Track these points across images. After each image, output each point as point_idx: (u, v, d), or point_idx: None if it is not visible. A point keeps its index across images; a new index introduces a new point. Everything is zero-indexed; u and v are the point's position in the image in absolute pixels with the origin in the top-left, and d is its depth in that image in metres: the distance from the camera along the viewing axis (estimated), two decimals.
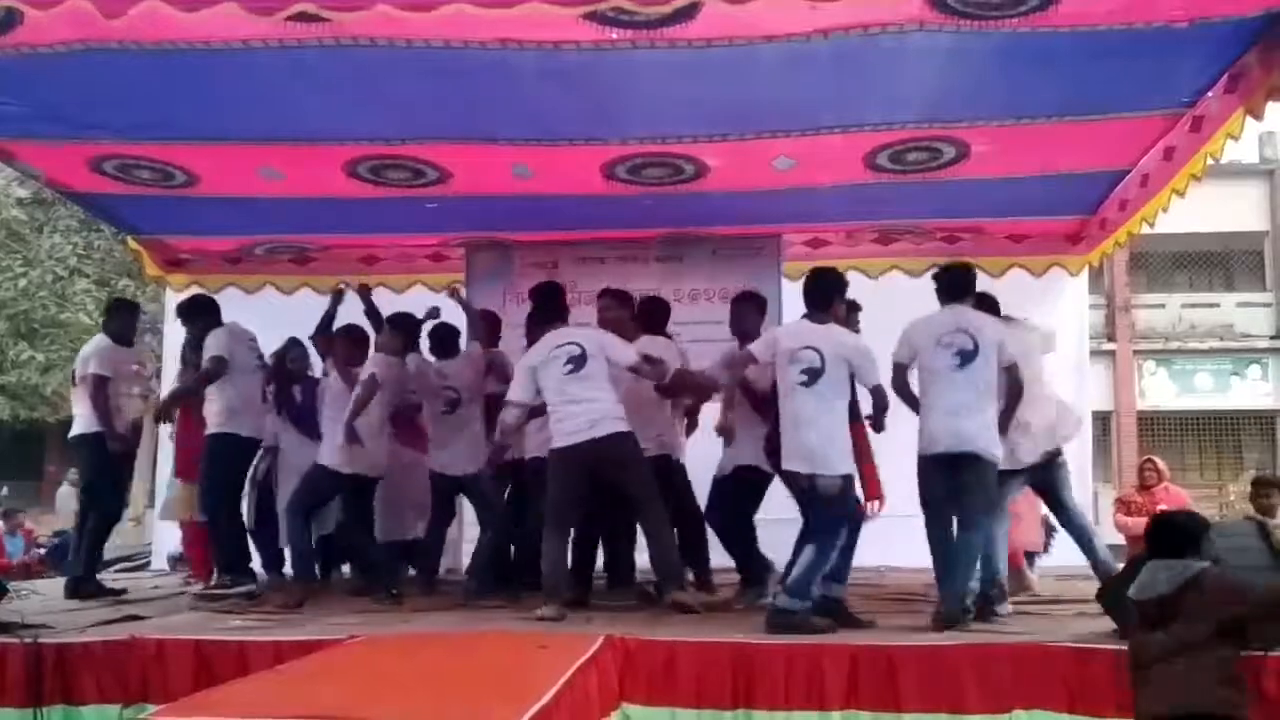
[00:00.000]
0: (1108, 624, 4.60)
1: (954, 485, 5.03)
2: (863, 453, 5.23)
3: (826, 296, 5.23)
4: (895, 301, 7.26)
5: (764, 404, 5.50)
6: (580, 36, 4.63)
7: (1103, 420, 19.07)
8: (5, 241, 18.44)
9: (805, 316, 5.23)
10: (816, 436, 4.95)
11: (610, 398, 5.49)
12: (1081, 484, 8.10)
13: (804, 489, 5.01)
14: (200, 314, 6.57)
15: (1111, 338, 21.24)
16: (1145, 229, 7.25)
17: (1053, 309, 7.80)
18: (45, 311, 17.74)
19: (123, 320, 6.77)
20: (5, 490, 13.66)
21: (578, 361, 5.43)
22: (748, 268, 7.74)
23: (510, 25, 4.51)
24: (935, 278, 5.43)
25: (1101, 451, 17.17)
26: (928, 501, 5.14)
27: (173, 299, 8.53)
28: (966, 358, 5.02)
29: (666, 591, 5.45)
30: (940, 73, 5.15)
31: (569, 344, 5.50)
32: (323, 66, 4.97)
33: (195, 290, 8.06)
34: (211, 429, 6.20)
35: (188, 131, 5.90)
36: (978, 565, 5.14)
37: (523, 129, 5.89)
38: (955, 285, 5.31)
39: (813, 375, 4.96)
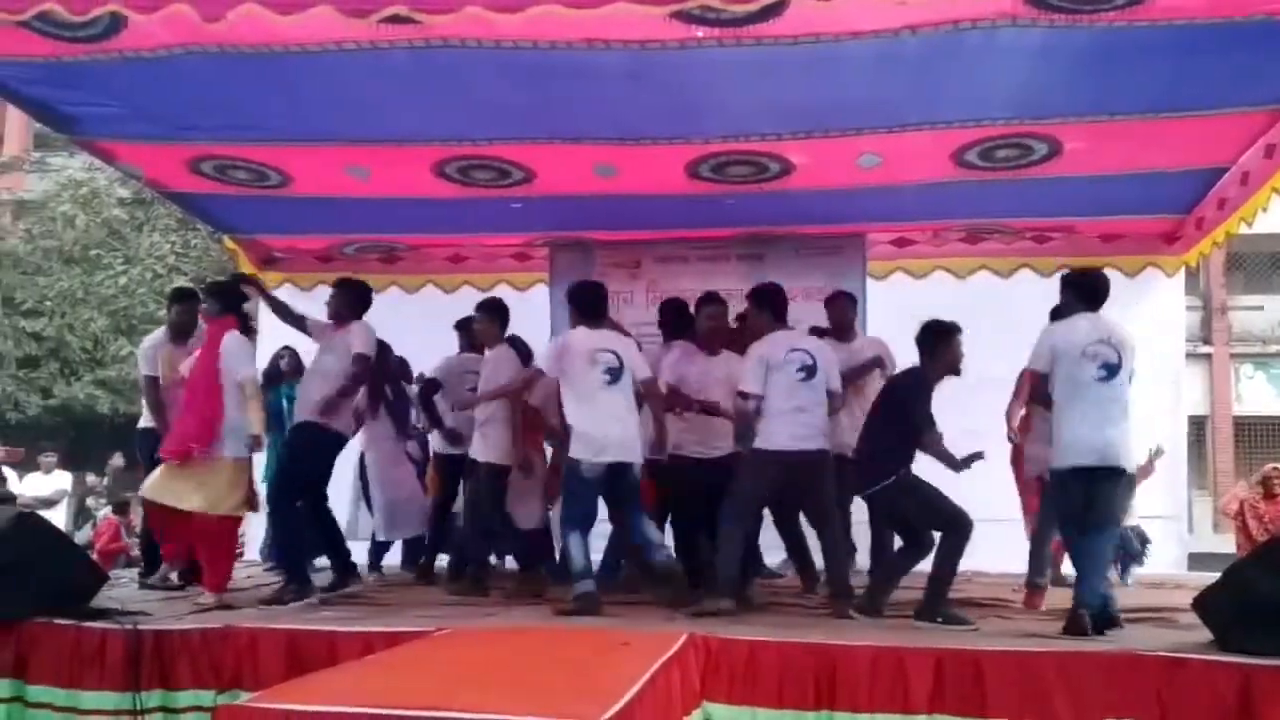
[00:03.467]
0: (1202, 633, 4.47)
1: (1092, 497, 4.94)
2: None
3: (1102, 296, 5.19)
4: (982, 302, 7.27)
5: None
6: (666, 35, 4.65)
7: (1198, 425, 18.53)
8: (107, 240, 19.08)
9: (1086, 313, 5.13)
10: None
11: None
12: (1176, 490, 7.93)
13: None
14: (350, 295, 6.27)
15: (1208, 340, 20.61)
16: (1244, 228, 7.01)
17: (1148, 311, 7.60)
18: (144, 308, 18.29)
19: (178, 312, 6.56)
20: (106, 481, 14.06)
21: (810, 370, 5.47)
22: (831, 266, 7.68)
23: (597, 25, 4.55)
24: (1069, 282, 5.31)
25: (1196, 458, 16.72)
26: (1065, 514, 5.07)
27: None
28: (1111, 370, 4.94)
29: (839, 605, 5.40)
30: (1030, 69, 5.06)
31: (799, 350, 5.53)
32: (412, 68, 5.06)
33: (289, 288, 8.28)
34: (302, 417, 5.98)
35: (281, 133, 6.06)
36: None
37: (607, 128, 5.93)
38: (1096, 293, 5.18)
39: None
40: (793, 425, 5.40)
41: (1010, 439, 6.50)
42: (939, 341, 5.41)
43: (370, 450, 7.05)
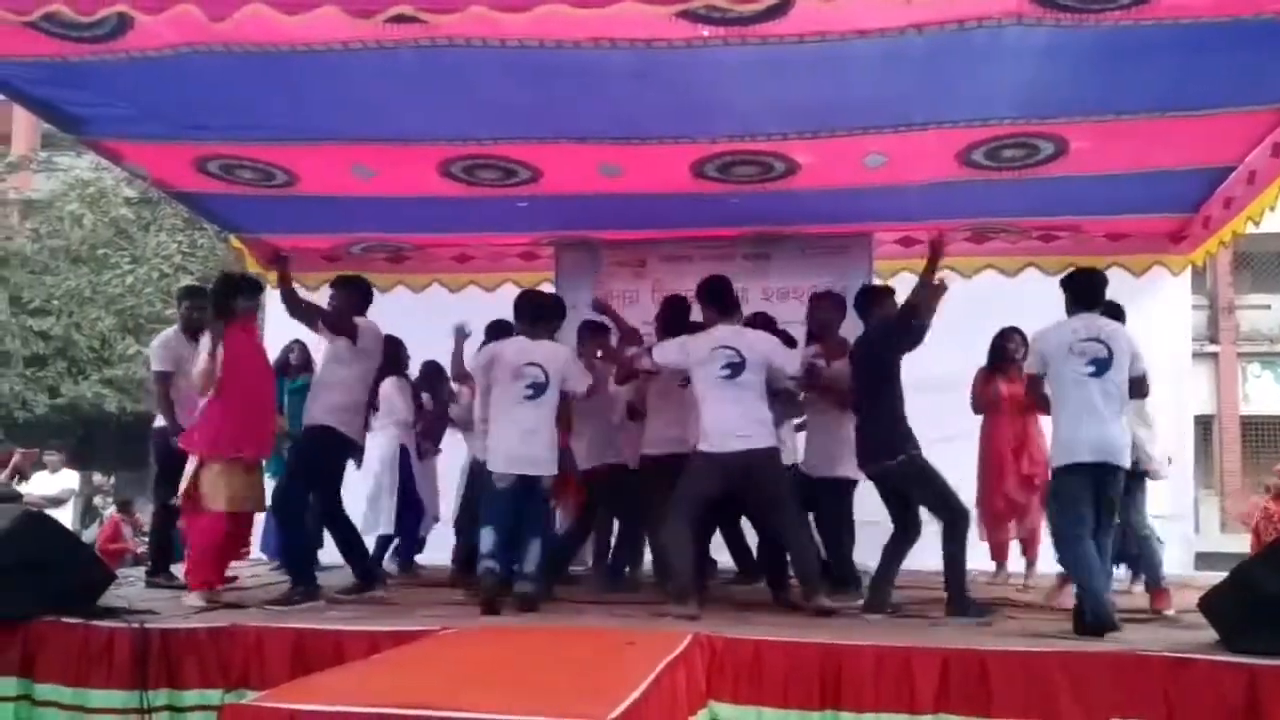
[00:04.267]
0: (1208, 633, 4.47)
1: (1097, 496, 4.97)
2: None
3: (1098, 295, 5.22)
4: (988, 301, 7.27)
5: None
6: (672, 34, 4.64)
7: (1204, 425, 18.50)
8: (114, 239, 19.15)
9: (1083, 313, 5.15)
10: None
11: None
12: (1183, 490, 7.92)
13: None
14: (349, 292, 6.24)
15: (1215, 340, 20.55)
16: (1251, 228, 6.98)
17: (1154, 310, 7.58)
18: (151, 308, 18.35)
19: (187, 308, 6.51)
20: (113, 480, 14.12)
21: (735, 368, 5.45)
22: (837, 266, 7.68)
23: (603, 24, 4.55)
24: (1065, 283, 5.32)
25: (1203, 457, 16.68)
26: (1066, 512, 5.05)
27: (273, 296, 8.75)
28: (1101, 366, 4.95)
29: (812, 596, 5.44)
30: (1037, 68, 5.05)
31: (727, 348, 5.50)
32: (418, 68, 5.06)
33: (296, 287, 8.27)
34: (318, 421, 5.94)
35: (287, 132, 6.06)
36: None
37: (612, 128, 5.92)
38: (1091, 292, 5.20)
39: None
40: (726, 424, 5.39)
41: None
42: (872, 302, 5.76)
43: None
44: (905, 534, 5.53)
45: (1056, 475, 5.07)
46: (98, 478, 13.74)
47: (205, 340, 5.65)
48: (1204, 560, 7.98)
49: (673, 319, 6.21)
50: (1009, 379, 6.64)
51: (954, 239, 7.86)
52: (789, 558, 5.66)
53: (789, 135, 5.97)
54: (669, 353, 5.68)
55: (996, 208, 7.24)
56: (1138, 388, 5.11)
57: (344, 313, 6.05)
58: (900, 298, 5.79)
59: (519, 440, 5.58)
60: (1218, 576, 4.96)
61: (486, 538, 5.59)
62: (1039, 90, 5.33)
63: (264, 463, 6.07)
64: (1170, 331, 7.83)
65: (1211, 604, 4.56)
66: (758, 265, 7.78)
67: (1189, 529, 8.06)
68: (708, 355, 5.47)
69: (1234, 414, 20.24)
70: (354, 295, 6.18)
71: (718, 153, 6.22)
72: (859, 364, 5.73)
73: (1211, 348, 20.25)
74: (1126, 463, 5.00)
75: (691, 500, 5.48)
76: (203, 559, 5.65)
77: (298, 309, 6.16)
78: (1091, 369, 4.95)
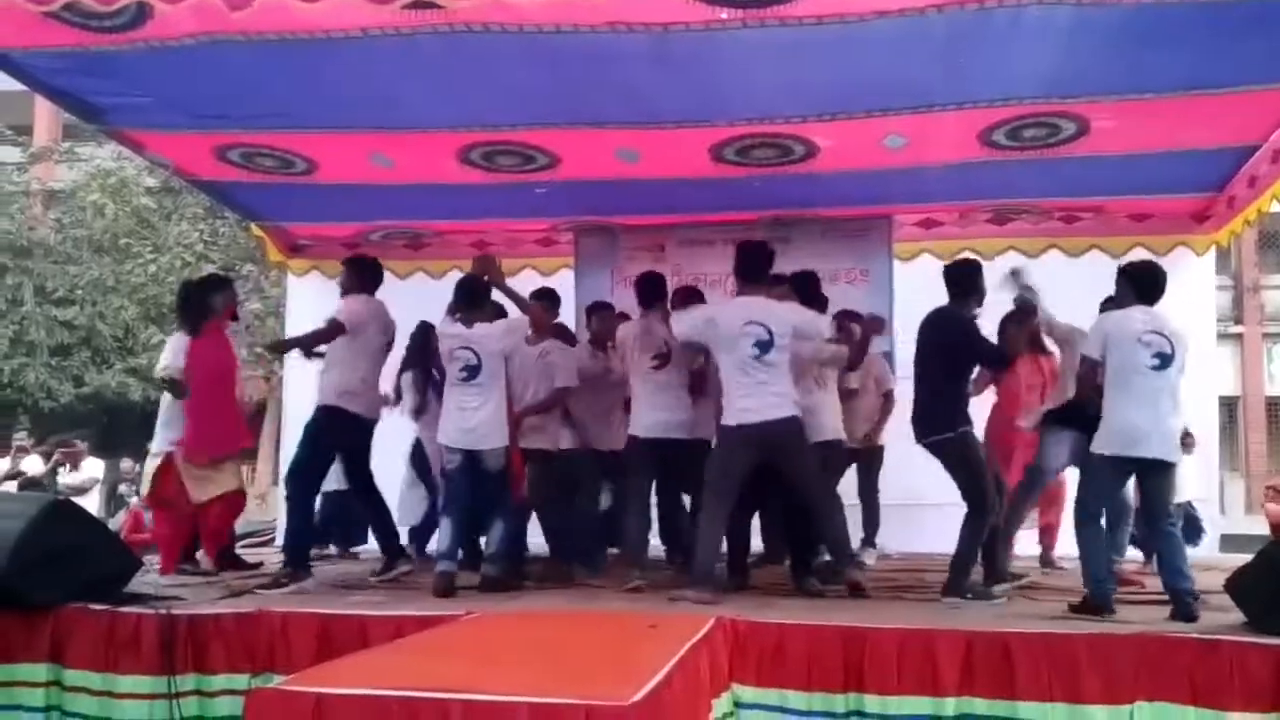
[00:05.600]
0: (1235, 615, 4.45)
1: (1141, 488, 5.02)
2: None
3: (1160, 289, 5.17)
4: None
5: None
6: (690, 18, 4.62)
7: (1229, 406, 18.39)
8: (135, 229, 19.23)
9: (1141, 305, 5.12)
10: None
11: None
12: (1207, 471, 7.87)
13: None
14: (355, 271, 6.41)
15: (1239, 320, 20.43)
16: (1276, 207, 6.93)
17: (1178, 290, 7.48)
18: (173, 297, 18.41)
19: (185, 309, 6.59)
20: (138, 468, 14.13)
21: (765, 346, 5.44)
22: (857, 248, 7.67)
23: (621, 8, 4.55)
24: (1126, 273, 5.26)
25: (1228, 438, 16.56)
26: (1096, 498, 5.07)
27: (295, 283, 8.80)
28: (1165, 361, 4.91)
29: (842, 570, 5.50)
30: (1059, 48, 4.99)
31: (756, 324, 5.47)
32: (436, 54, 5.05)
33: (316, 275, 8.34)
34: (322, 401, 6.05)
35: (306, 120, 6.06)
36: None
37: (631, 112, 5.90)
38: (1154, 285, 5.14)
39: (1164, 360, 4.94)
40: (752, 398, 5.38)
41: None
42: (965, 278, 5.60)
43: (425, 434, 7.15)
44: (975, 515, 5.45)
45: (1100, 460, 5.01)
46: (125, 464, 13.78)
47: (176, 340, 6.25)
48: (1229, 542, 7.94)
49: (647, 293, 6.31)
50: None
51: (976, 219, 7.87)
52: (817, 532, 5.64)
53: (808, 117, 5.94)
54: (687, 326, 5.68)
55: (1018, 189, 7.19)
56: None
57: (351, 289, 6.27)
58: (925, 283, 5.87)
59: (459, 418, 5.78)
60: (1244, 558, 4.94)
61: (444, 534, 5.73)
62: (1061, 70, 5.28)
63: None
64: (1194, 312, 7.73)
65: (1238, 585, 4.55)
66: (778, 248, 7.71)
67: (1214, 511, 8.01)
68: (738, 331, 5.42)
69: (1259, 395, 20.11)
70: (362, 271, 6.38)
71: (736, 136, 6.20)
72: (933, 336, 5.58)
73: (1236, 329, 20.13)
74: (1172, 457, 4.95)
75: (725, 478, 5.47)
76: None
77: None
78: (1156, 362, 4.89)
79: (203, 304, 6.51)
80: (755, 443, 5.37)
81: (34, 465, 11.51)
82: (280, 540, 7.65)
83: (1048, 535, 6.93)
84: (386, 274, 8.31)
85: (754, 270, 5.68)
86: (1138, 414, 4.89)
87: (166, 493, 6.41)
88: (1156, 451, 4.87)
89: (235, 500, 6.55)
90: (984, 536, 5.39)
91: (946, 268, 5.82)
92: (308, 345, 6.35)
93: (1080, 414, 5.30)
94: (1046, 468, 5.89)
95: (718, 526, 5.47)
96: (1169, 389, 4.92)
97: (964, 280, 5.61)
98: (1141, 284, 5.15)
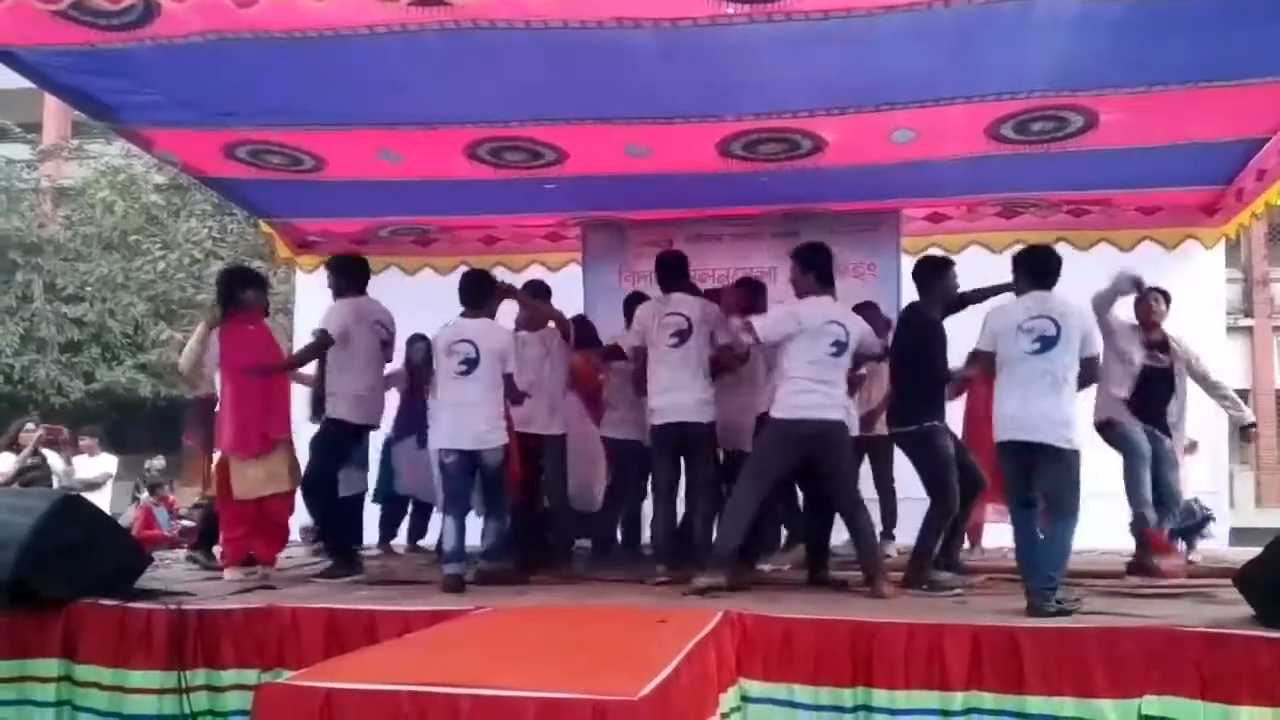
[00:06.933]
0: (1244, 609, 4.43)
1: (1031, 476, 4.94)
2: None
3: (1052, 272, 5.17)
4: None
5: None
6: (697, 12, 4.62)
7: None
8: (145, 226, 19.26)
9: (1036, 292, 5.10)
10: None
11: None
12: (1217, 465, 7.86)
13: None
14: (337, 274, 6.41)
15: (1249, 313, 20.35)
16: None
17: (1187, 284, 7.49)
18: (182, 293, 18.50)
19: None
20: (163, 462, 13.95)
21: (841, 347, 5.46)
22: (866, 243, 7.65)
23: (628, 3, 4.55)
24: (1017, 260, 5.27)
25: (1237, 431, 16.45)
26: (1008, 488, 5.09)
27: (303, 280, 8.83)
28: (1046, 343, 4.88)
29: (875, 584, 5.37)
30: (1067, 41, 4.99)
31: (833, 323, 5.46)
32: (443, 51, 5.06)
33: (324, 272, 8.33)
34: (330, 414, 6.16)
35: (314, 117, 6.08)
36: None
37: (638, 108, 5.91)
38: (1045, 269, 5.14)
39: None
40: (812, 394, 5.36)
41: None
42: (932, 275, 5.81)
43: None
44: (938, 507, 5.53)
45: (999, 447, 5.03)
46: (149, 463, 13.64)
47: (200, 328, 5.82)
48: (1239, 535, 7.93)
49: (666, 276, 6.29)
50: None
51: (984, 213, 7.85)
52: (855, 543, 5.56)
53: (816, 112, 5.93)
54: (778, 326, 5.50)
55: (1026, 182, 7.18)
56: (1088, 370, 5.00)
57: (341, 289, 6.30)
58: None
59: (454, 416, 5.71)
60: (1253, 551, 4.92)
61: (448, 535, 5.70)
62: (1069, 63, 5.27)
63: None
64: (1204, 305, 7.75)
65: (1247, 579, 4.53)
66: (786, 244, 7.63)
67: (1224, 504, 7.98)
68: (820, 328, 5.40)
69: (1269, 388, 20.03)
70: (334, 275, 6.41)
71: (744, 131, 6.20)
72: (899, 333, 5.76)
73: (1245, 321, 20.05)
74: (1057, 441, 4.83)
75: (768, 470, 5.48)
76: (226, 541, 6.05)
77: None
78: (1036, 346, 4.88)
79: (233, 296, 6.15)
80: (809, 439, 5.36)
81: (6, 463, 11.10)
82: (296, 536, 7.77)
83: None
84: (394, 271, 8.42)
85: (827, 274, 5.66)
86: (1017, 398, 4.91)
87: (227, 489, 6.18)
88: (1040, 435, 4.82)
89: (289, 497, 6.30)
90: (945, 530, 5.52)
91: (914, 265, 6.02)
92: (299, 365, 6.43)
93: None
94: None
95: (746, 514, 5.45)
96: (1054, 370, 4.85)
97: (924, 277, 5.85)
98: (1034, 269, 5.16)
